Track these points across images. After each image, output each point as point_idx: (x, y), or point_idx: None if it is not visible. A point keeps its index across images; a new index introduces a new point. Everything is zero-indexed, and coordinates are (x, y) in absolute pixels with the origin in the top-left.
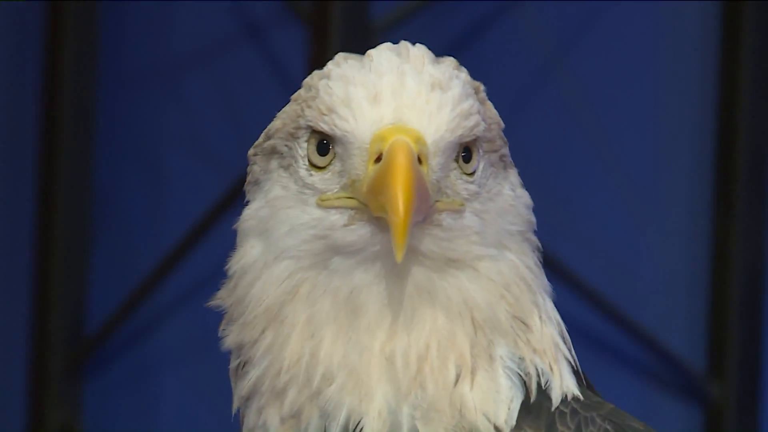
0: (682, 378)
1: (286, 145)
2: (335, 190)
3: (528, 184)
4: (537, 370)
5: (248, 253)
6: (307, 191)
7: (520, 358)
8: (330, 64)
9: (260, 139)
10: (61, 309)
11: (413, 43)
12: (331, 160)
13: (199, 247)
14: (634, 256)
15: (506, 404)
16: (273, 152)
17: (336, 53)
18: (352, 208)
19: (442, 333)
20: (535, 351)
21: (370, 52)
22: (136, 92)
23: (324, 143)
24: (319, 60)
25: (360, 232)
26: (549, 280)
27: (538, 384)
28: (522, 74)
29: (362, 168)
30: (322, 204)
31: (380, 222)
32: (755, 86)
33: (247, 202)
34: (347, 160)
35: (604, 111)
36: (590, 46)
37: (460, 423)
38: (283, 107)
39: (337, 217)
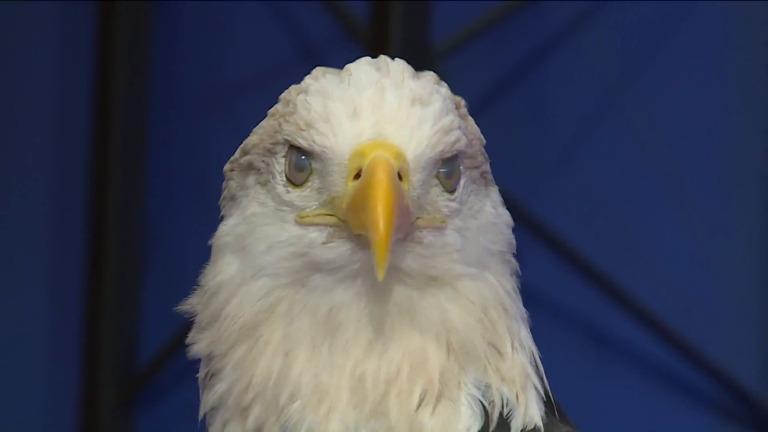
0: (754, 412)
1: (263, 161)
2: (314, 207)
3: (593, 212)
4: (502, 399)
5: (224, 270)
6: (285, 208)
7: (486, 386)
8: (308, 78)
9: (237, 154)
10: (113, 342)
11: (464, 69)
12: (309, 176)
13: None
14: (703, 286)
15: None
16: (250, 168)
17: None
18: (331, 225)
19: (415, 356)
20: (503, 379)
21: (349, 66)
22: (189, 118)
23: (302, 159)
24: None
25: (340, 249)
26: (617, 312)
27: (501, 414)
28: (587, 99)
29: (342, 184)
30: (301, 221)
31: (360, 239)
32: None
33: (222, 218)
34: (326, 176)
35: (671, 138)
36: (656, 70)
37: None
38: None
39: (316, 234)
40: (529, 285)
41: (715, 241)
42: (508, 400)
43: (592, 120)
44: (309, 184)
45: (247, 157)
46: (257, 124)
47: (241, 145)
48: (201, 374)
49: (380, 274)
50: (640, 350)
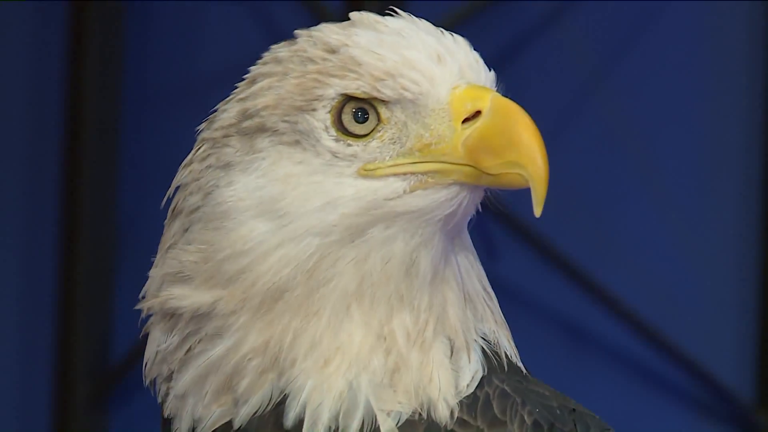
0: (730, 407)
1: (285, 121)
2: (387, 158)
3: (570, 208)
4: (499, 342)
5: (248, 234)
6: (341, 162)
7: (492, 331)
8: (335, 35)
9: (229, 122)
10: (86, 340)
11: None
12: (376, 126)
13: None
14: (680, 281)
15: (470, 376)
16: (261, 130)
17: None
18: (424, 172)
19: (440, 309)
20: (497, 322)
21: (379, 19)
22: (161, 113)
23: (365, 110)
24: None
25: (434, 196)
26: (594, 307)
27: (495, 353)
28: (563, 94)
29: (444, 128)
30: (370, 173)
31: (465, 182)
32: None
33: (212, 187)
34: (415, 123)
35: (647, 133)
36: (633, 66)
37: (421, 399)
38: None
39: (397, 185)
40: (507, 281)
41: (692, 236)
42: (500, 342)
43: (568, 116)
44: (378, 135)
45: (253, 120)
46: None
47: (237, 109)
48: (173, 341)
49: (539, 210)
50: (617, 346)
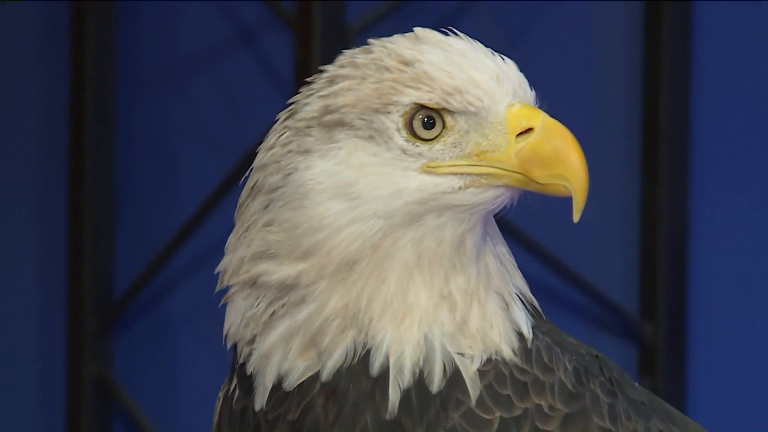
0: (619, 320)
1: (361, 119)
2: (447, 159)
3: None
4: (527, 294)
5: (324, 213)
6: (408, 158)
7: (519, 287)
8: (408, 50)
9: (311, 114)
10: (92, 277)
11: None
12: (441, 132)
13: (205, 222)
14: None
15: (525, 324)
16: (339, 124)
17: (318, 53)
18: (479, 174)
19: (486, 273)
20: (521, 278)
21: (444, 38)
22: (150, 91)
23: (429, 118)
24: (304, 60)
25: (486, 194)
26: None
27: (531, 304)
28: None
29: (500, 139)
30: (432, 170)
31: (514, 186)
32: (674, 77)
33: (293, 168)
34: (475, 132)
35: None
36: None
37: (488, 344)
38: (274, 101)
39: (454, 181)
40: None
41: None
42: (529, 296)
43: None
44: (442, 139)
45: (334, 115)
46: (205, 96)
47: (319, 105)
48: (259, 308)
49: (577, 216)
50: (525, 272)
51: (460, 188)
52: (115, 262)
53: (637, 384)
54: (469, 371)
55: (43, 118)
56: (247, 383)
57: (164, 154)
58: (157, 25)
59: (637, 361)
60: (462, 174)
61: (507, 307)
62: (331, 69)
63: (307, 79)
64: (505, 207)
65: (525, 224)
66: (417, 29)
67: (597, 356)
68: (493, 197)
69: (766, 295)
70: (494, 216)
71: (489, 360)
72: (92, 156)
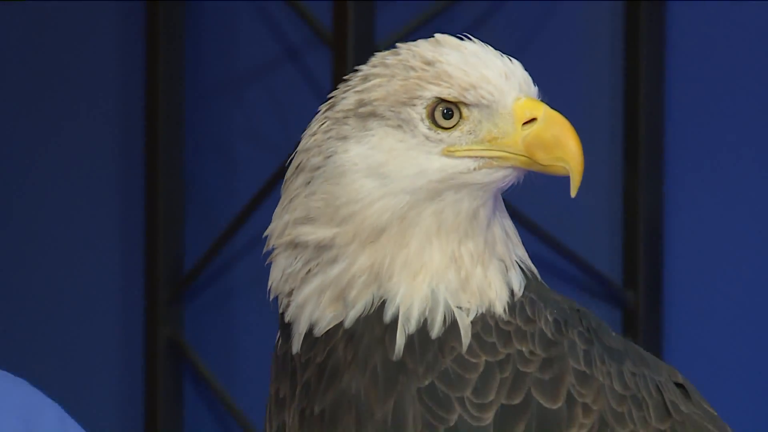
0: (606, 289)
1: (391, 110)
2: (463, 144)
3: None
4: (527, 262)
5: (358, 189)
6: (430, 144)
7: (520, 255)
8: (430, 52)
9: (348, 106)
10: (166, 255)
11: None
12: (458, 121)
13: (259, 208)
14: (567, 197)
15: (518, 284)
16: (372, 115)
17: (351, 67)
18: (490, 157)
19: (491, 240)
20: (522, 249)
21: (460, 42)
22: (213, 100)
23: (448, 110)
24: (340, 74)
25: (496, 174)
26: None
27: (529, 270)
28: None
29: (509, 128)
30: (451, 154)
31: (520, 167)
32: (650, 76)
33: (331, 153)
34: (487, 122)
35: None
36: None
37: (483, 299)
38: (315, 107)
39: (470, 163)
40: None
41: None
42: (529, 264)
43: None
44: (459, 127)
45: (367, 108)
46: (258, 105)
47: (354, 98)
48: (297, 266)
49: (574, 192)
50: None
51: (474, 169)
52: (184, 242)
53: (614, 333)
54: (464, 322)
55: (123, 121)
56: (287, 331)
57: (224, 153)
58: (218, 44)
59: (621, 323)
60: (476, 157)
61: (506, 270)
62: (364, 68)
63: (344, 77)
64: (512, 185)
65: (524, 206)
66: (437, 35)
67: (578, 310)
68: (503, 176)
69: (730, 267)
70: (501, 195)
71: (481, 314)
72: (165, 153)
